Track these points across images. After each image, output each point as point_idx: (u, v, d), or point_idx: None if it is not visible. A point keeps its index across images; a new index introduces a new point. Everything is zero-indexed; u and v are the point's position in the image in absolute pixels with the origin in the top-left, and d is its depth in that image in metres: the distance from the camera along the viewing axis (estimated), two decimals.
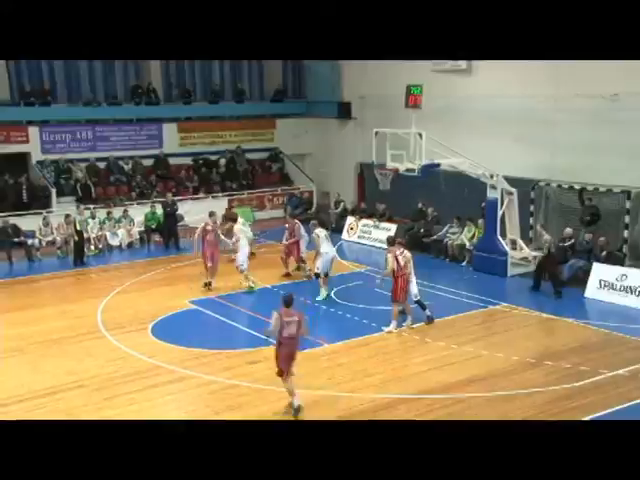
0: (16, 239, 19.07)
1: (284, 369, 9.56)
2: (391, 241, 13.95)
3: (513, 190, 17.11)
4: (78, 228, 18.57)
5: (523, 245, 17.36)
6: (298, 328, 9.59)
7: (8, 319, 14.22)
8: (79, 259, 18.50)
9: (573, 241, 16.35)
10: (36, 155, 22.32)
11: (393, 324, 13.09)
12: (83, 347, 12.46)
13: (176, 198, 21.72)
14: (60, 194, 21.93)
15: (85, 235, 19.18)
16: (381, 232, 20.49)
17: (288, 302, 9.63)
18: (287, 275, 16.68)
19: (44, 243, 19.51)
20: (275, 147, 26.72)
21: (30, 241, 19.25)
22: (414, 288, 13.38)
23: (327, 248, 15.21)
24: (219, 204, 23.96)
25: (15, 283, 17.09)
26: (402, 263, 13.03)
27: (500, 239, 17.00)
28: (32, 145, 22.23)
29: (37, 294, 16.13)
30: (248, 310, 14.47)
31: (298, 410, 9.54)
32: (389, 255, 13.21)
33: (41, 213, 20.46)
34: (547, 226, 17.01)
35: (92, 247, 19.82)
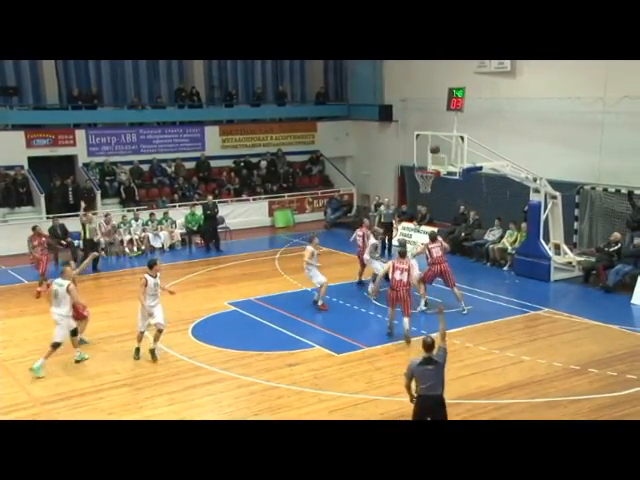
0: (63, 241, 19.33)
1: None
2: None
3: (557, 194, 16.80)
4: (88, 236, 18.36)
5: (567, 250, 17.03)
6: None
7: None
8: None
9: (619, 246, 15.97)
10: (82, 157, 22.78)
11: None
12: (125, 347, 12.63)
13: (217, 200, 21.94)
14: (104, 196, 22.38)
15: (127, 237, 19.54)
16: (422, 235, 20.35)
17: None
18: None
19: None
20: (316, 150, 26.78)
21: (76, 242, 19.61)
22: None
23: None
24: (260, 206, 24.26)
25: None
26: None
27: (543, 243, 16.70)
28: (79, 148, 22.69)
29: (81, 294, 16.35)
30: (287, 312, 14.49)
31: None
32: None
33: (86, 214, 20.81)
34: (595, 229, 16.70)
35: (135, 248, 20.20)
